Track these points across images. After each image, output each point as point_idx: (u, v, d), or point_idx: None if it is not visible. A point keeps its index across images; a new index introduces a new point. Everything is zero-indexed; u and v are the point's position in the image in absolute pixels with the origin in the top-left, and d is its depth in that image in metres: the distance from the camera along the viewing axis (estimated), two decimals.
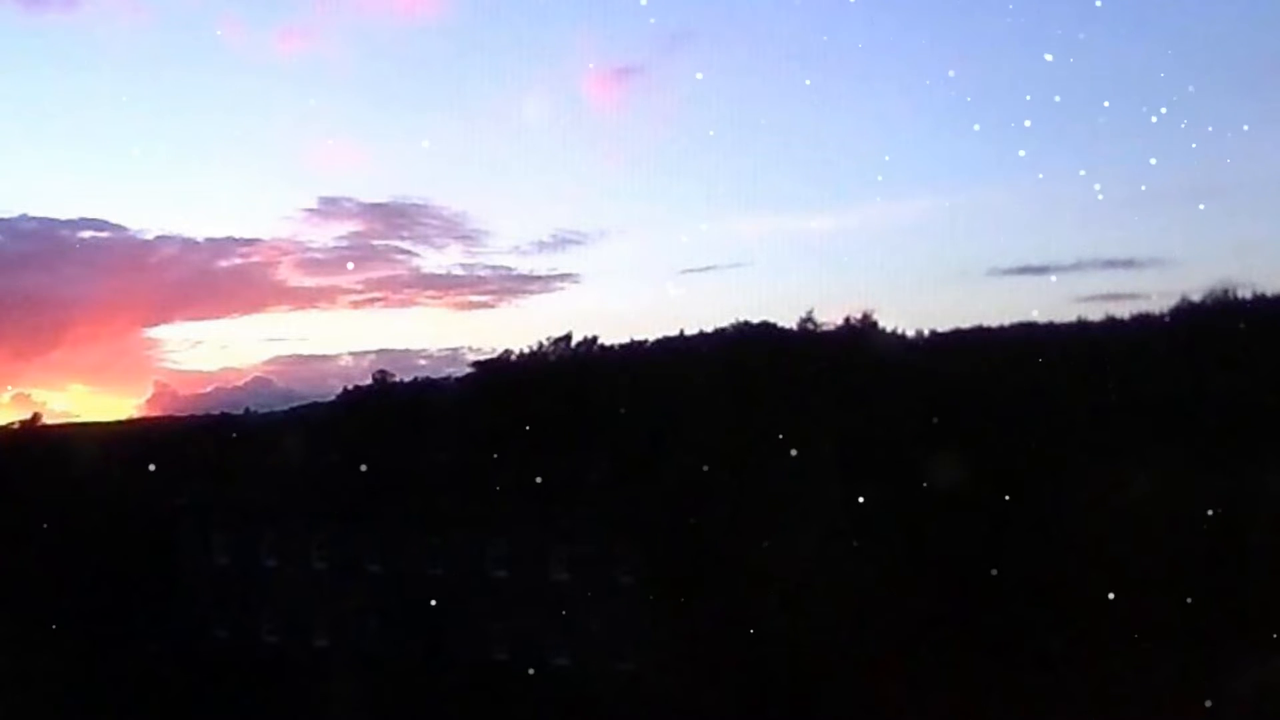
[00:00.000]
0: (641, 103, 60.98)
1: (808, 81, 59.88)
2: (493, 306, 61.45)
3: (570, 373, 42.70)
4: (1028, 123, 57.57)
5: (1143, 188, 52.39)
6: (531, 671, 33.70)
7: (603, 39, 62.56)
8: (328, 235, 69.64)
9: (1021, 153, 55.10)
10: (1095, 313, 41.56)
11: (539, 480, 35.15)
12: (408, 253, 61.61)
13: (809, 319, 40.86)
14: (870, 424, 33.31)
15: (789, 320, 41.12)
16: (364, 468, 37.37)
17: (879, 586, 29.69)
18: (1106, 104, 53.33)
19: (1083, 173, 53.28)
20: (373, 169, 71.13)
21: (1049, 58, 50.87)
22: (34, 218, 60.41)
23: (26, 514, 37.80)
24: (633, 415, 37.00)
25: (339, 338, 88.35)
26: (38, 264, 60.40)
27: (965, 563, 30.28)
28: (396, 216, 62.81)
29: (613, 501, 35.20)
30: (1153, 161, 55.99)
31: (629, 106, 60.35)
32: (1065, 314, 45.86)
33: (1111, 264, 50.42)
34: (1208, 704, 25.76)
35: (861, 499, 31.54)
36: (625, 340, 45.88)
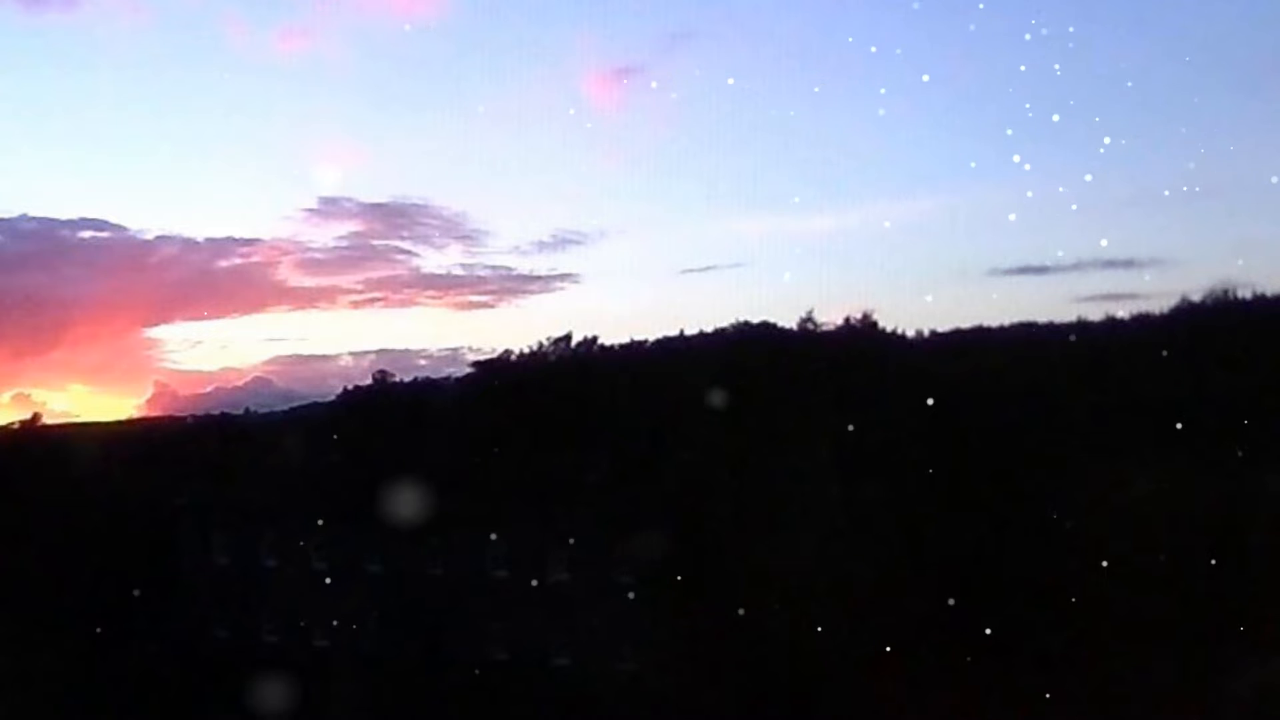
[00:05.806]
0: (641, 103, 61.02)
1: (808, 82, 59.96)
2: (493, 306, 61.57)
3: (570, 373, 42.67)
4: (1027, 123, 57.63)
5: (1143, 188, 52.38)
6: (531, 671, 33.69)
7: (603, 39, 62.71)
8: (328, 235, 69.85)
9: (1020, 154, 55.03)
10: (1095, 313, 41.54)
11: (539, 480, 35.15)
12: (408, 253, 61.77)
13: (809, 319, 40.84)
14: (870, 424, 33.27)
15: (789, 320, 41.11)
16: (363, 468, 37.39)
17: (879, 586, 29.67)
18: (1106, 104, 53.31)
19: (1084, 174, 53.29)
20: (373, 169, 71.31)
21: (1049, 58, 50.89)
22: (34, 218, 60.57)
23: (26, 514, 37.78)
24: (633, 415, 36.98)
25: (339, 338, 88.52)
26: (38, 264, 60.52)
27: (965, 563, 30.26)
28: (396, 216, 62.98)
29: (613, 501, 35.18)
30: (1153, 161, 55.99)
31: (629, 106, 60.38)
32: (1065, 314, 45.96)
33: (1111, 264, 50.40)
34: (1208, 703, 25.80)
35: (861, 499, 31.53)
36: (625, 340, 45.95)
